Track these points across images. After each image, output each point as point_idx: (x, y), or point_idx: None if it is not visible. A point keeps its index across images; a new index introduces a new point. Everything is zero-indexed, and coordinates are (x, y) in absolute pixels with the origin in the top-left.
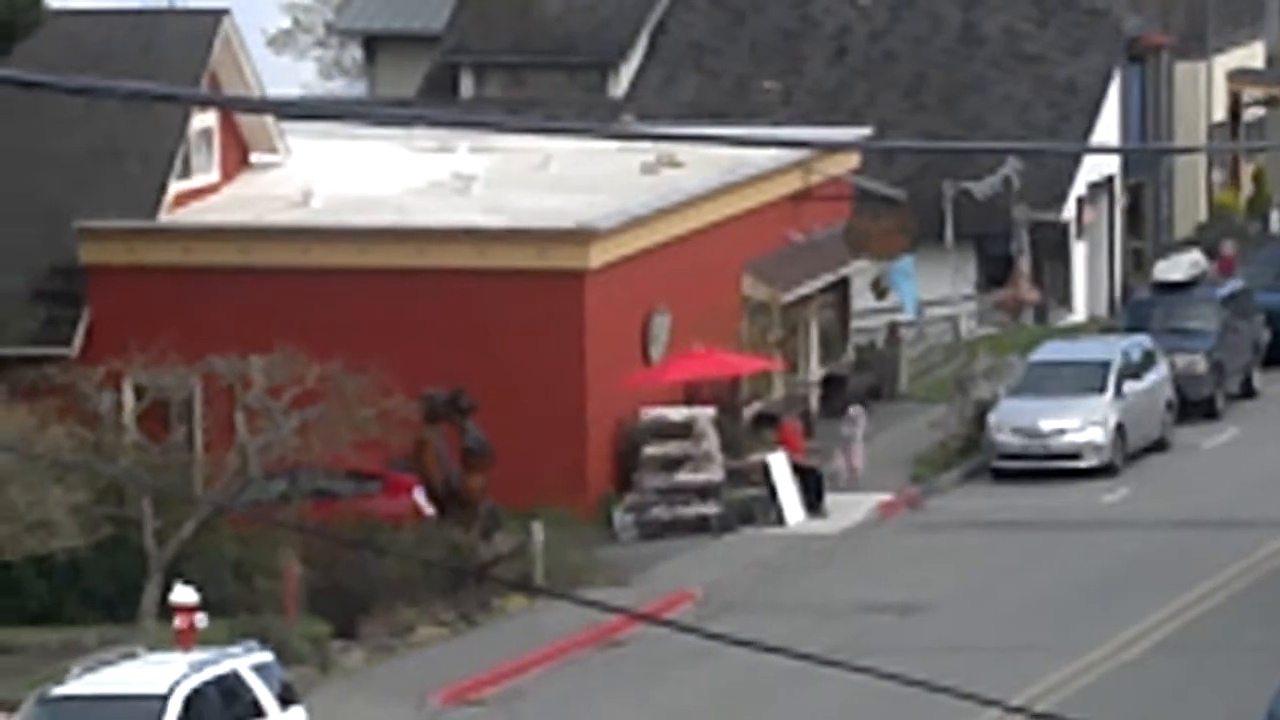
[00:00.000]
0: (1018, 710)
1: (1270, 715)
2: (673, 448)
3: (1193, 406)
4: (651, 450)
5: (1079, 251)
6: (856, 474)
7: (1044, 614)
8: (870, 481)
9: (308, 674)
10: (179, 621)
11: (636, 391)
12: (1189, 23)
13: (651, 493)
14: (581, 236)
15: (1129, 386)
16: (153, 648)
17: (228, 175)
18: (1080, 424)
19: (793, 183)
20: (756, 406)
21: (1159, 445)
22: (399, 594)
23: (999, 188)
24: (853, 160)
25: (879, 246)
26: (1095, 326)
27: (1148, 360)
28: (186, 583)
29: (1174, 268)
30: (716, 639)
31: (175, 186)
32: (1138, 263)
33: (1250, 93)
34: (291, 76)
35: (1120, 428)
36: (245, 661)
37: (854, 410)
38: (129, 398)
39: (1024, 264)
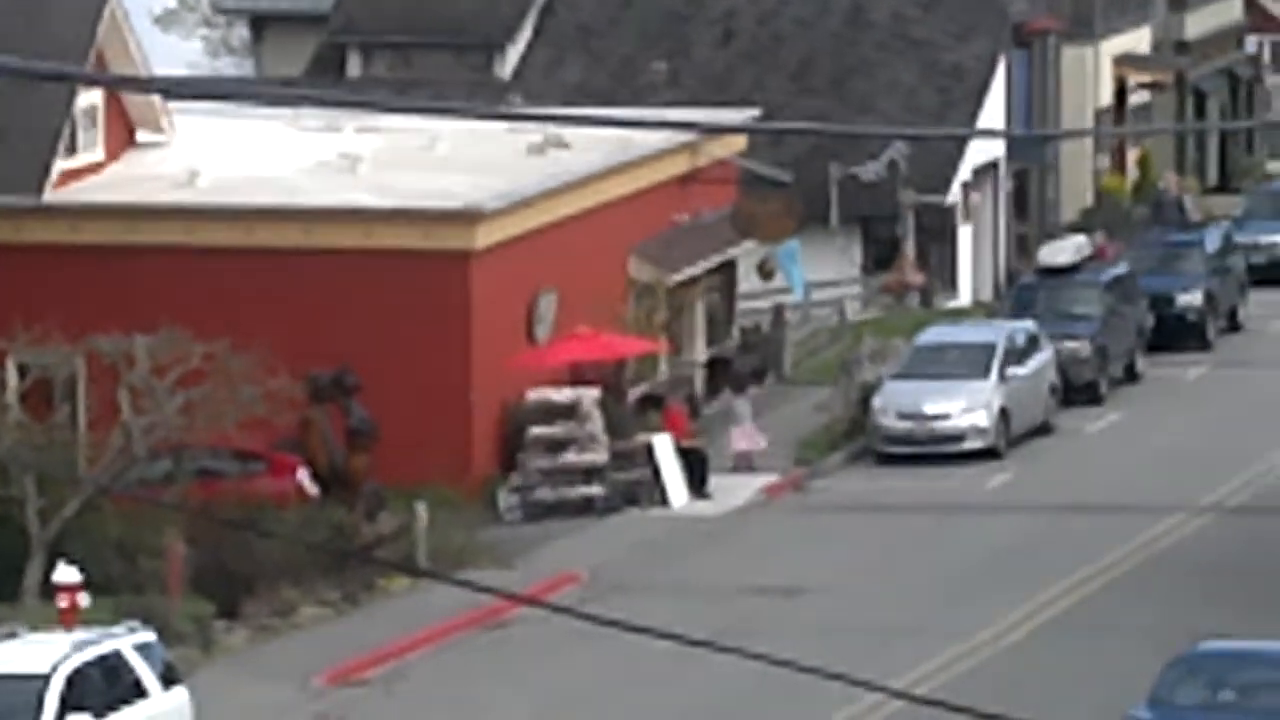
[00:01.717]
0: (900, 694)
1: (1152, 699)
2: (558, 429)
3: (1076, 391)
4: (536, 431)
5: (964, 235)
6: (752, 456)
7: (928, 597)
8: (755, 464)
9: (190, 654)
10: (61, 601)
11: (522, 373)
12: (1075, 7)
13: (536, 474)
14: (468, 217)
15: (1013, 370)
16: (35, 627)
17: (113, 154)
18: (964, 407)
19: (680, 165)
20: (642, 388)
21: (1043, 429)
22: (283, 574)
23: (885, 171)
24: (740, 143)
25: (765, 229)
26: (980, 310)
27: (1032, 344)
28: (69, 562)
29: (1058, 252)
30: (590, 619)
31: (60, 165)
32: (1022, 247)
33: (1136, 78)
34: (178, 55)
35: (1004, 411)
36: (128, 641)
37: (739, 400)
38: (12, 376)
39: (909, 247)
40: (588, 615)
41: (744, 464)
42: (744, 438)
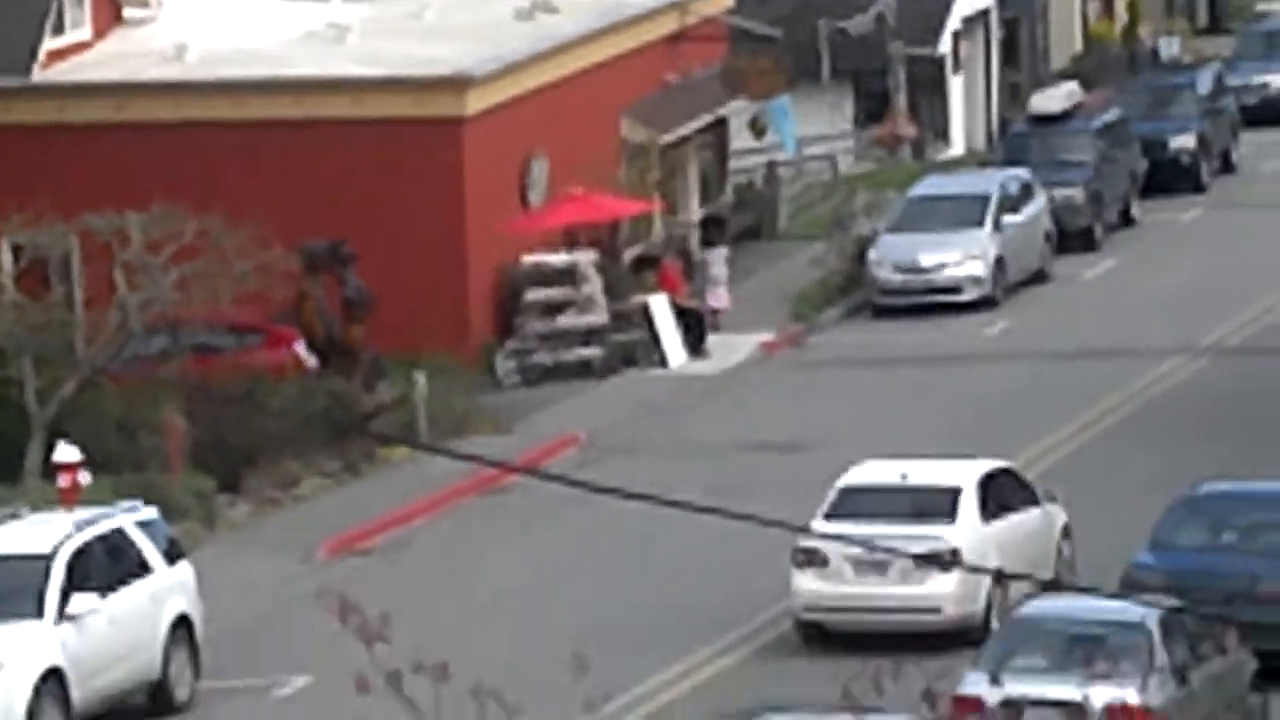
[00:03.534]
0: (890, 551)
1: (1154, 542)
2: (554, 292)
3: (1071, 238)
4: (533, 295)
5: (955, 86)
6: (718, 317)
7: (928, 448)
8: (752, 320)
9: (193, 529)
10: (62, 480)
11: (516, 237)
12: None
13: (533, 338)
14: (458, 84)
15: (1008, 219)
16: (36, 507)
17: (100, 31)
18: (960, 258)
19: (668, 24)
20: (636, 249)
21: (1039, 277)
22: (283, 447)
23: (873, 24)
24: (728, 0)
25: (756, 86)
26: (973, 160)
27: (1026, 192)
28: (69, 441)
29: (1050, 100)
30: (581, 486)
31: (47, 44)
32: (1014, 96)
33: None
34: None
35: (1000, 261)
36: (130, 518)
37: (711, 253)
38: (6, 257)
39: (900, 100)
40: (576, 481)
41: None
42: (712, 295)
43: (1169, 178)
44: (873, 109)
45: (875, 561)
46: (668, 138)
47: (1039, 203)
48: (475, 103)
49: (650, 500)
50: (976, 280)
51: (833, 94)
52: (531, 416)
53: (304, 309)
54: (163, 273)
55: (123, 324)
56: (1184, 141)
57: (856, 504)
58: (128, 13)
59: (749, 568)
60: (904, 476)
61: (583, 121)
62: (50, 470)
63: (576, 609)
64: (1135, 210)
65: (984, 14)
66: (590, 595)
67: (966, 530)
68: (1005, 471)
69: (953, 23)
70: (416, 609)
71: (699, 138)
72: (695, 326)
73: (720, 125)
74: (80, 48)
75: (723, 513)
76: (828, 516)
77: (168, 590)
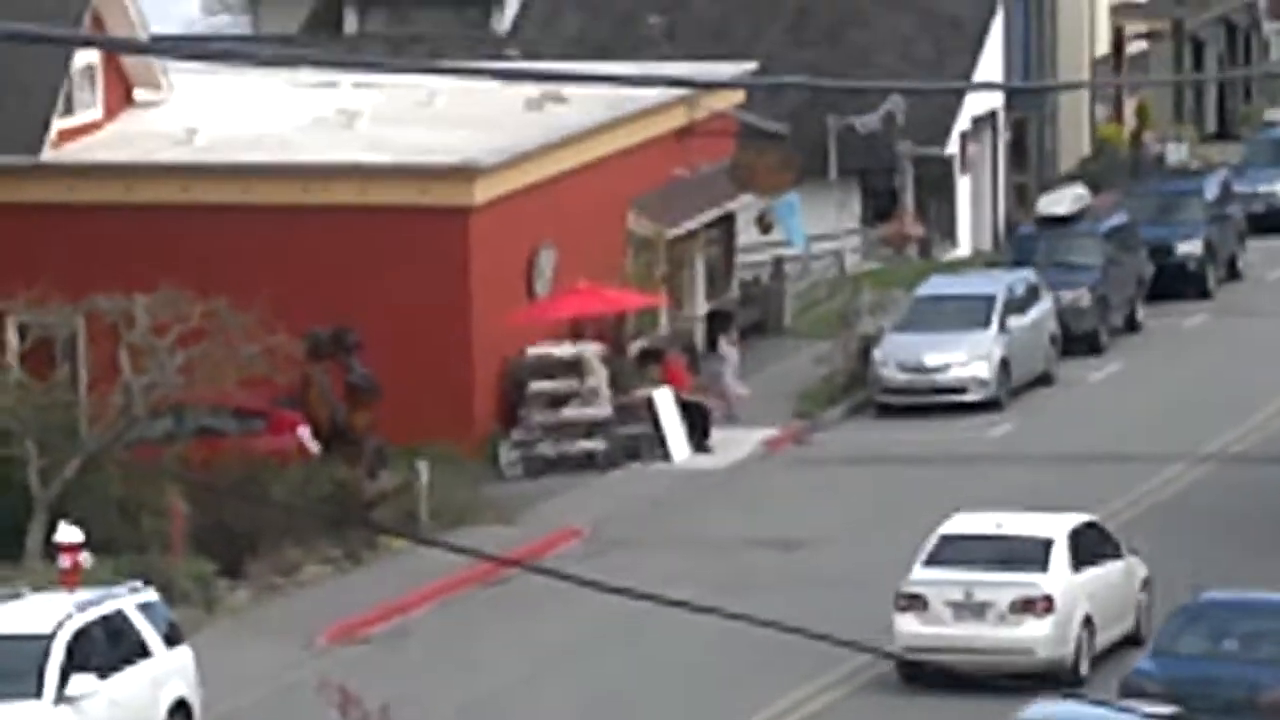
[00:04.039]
0: (889, 655)
1: (1155, 650)
2: (559, 384)
3: (1077, 340)
4: (537, 387)
5: (963, 186)
6: (731, 406)
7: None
8: (755, 417)
9: (193, 613)
10: (64, 561)
11: (522, 328)
12: None
13: (537, 429)
14: (466, 173)
15: (1013, 321)
16: (37, 587)
17: (111, 112)
18: (965, 358)
19: (677, 118)
20: (641, 342)
21: (1043, 379)
22: (285, 533)
23: (882, 123)
24: (737, 96)
25: (764, 182)
26: (979, 261)
27: (1032, 294)
28: (71, 522)
29: (1057, 202)
30: (584, 582)
31: (58, 124)
32: (1021, 197)
33: (1133, 27)
34: (175, 12)
35: (1005, 362)
36: (131, 601)
37: (723, 346)
38: (12, 336)
39: (908, 199)
40: (572, 578)
41: (728, 410)
42: (732, 382)
43: (1175, 283)
44: (880, 207)
45: (973, 605)
46: (675, 231)
47: (1045, 305)
48: (483, 192)
49: (650, 599)
50: (981, 381)
51: (840, 191)
52: (534, 508)
53: (309, 395)
54: (168, 355)
55: (127, 406)
56: (1191, 247)
57: (955, 551)
58: (138, 94)
59: (740, 674)
60: (999, 526)
61: (590, 213)
62: (52, 551)
63: (575, 701)
64: (1141, 315)
65: (992, 115)
66: (588, 688)
67: (1058, 578)
68: (1093, 525)
69: (961, 123)
70: (416, 699)
71: (706, 232)
72: (699, 421)
73: (728, 220)
74: (91, 128)
75: (720, 612)
76: (927, 563)
77: (167, 674)
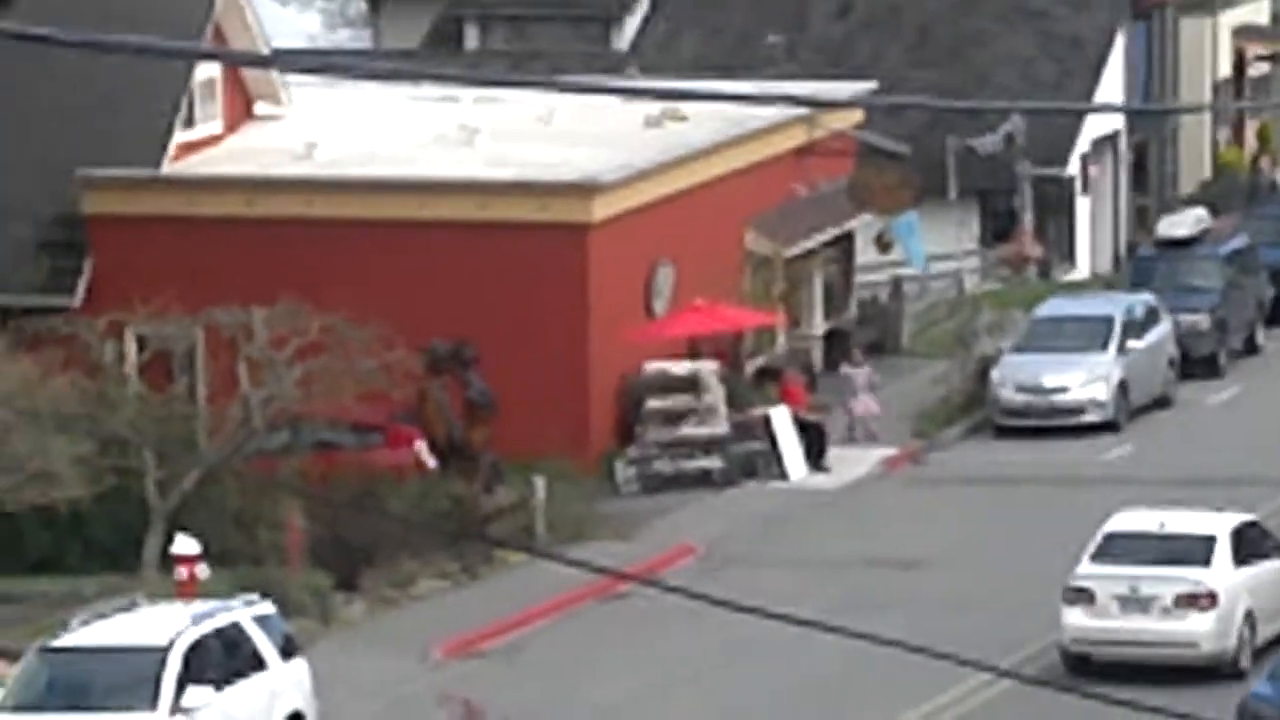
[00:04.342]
0: (1007, 674)
1: (1272, 673)
2: (675, 401)
3: (1196, 363)
4: (654, 404)
5: (1083, 207)
6: (867, 422)
7: (1048, 570)
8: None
9: (309, 626)
10: (180, 572)
11: (639, 345)
12: None
13: (654, 446)
14: (585, 190)
15: (1132, 343)
16: (154, 598)
17: (231, 126)
18: (1083, 380)
19: (797, 137)
20: (759, 361)
21: (1162, 402)
22: (401, 546)
23: (1002, 144)
24: (857, 115)
25: (883, 201)
26: (1099, 283)
27: (1151, 317)
28: (189, 534)
29: (1178, 224)
30: (699, 598)
31: (179, 137)
32: (1142, 219)
33: (1255, 49)
34: (296, 27)
35: (1123, 384)
36: (247, 613)
37: (845, 368)
38: (132, 349)
39: (1027, 220)
40: (696, 594)
41: (863, 429)
42: (862, 403)
43: None
44: (999, 228)
45: (1138, 599)
46: (793, 250)
47: (1164, 328)
48: (602, 209)
49: (777, 618)
50: (1099, 403)
51: (960, 212)
52: (650, 525)
53: (426, 409)
54: (286, 369)
55: (245, 419)
56: None
57: (1120, 548)
58: (259, 108)
59: (863, 691)
60: (1162, 525)
61: (708, 231)
62: (168, 562)
63: (691, 718)
64: (1260, 338)
65: (1113, 137)
66: (705, 705)
67: (1221, 574)
68: (1253, 524)
69: (1081, 144)
70: (532, 714)
71: (824, 251)
72: (816, 440)
73: (846, 239)
74: (211, 141)
75: (844, 631)
76: (1094, 559)
77: (282, 687)
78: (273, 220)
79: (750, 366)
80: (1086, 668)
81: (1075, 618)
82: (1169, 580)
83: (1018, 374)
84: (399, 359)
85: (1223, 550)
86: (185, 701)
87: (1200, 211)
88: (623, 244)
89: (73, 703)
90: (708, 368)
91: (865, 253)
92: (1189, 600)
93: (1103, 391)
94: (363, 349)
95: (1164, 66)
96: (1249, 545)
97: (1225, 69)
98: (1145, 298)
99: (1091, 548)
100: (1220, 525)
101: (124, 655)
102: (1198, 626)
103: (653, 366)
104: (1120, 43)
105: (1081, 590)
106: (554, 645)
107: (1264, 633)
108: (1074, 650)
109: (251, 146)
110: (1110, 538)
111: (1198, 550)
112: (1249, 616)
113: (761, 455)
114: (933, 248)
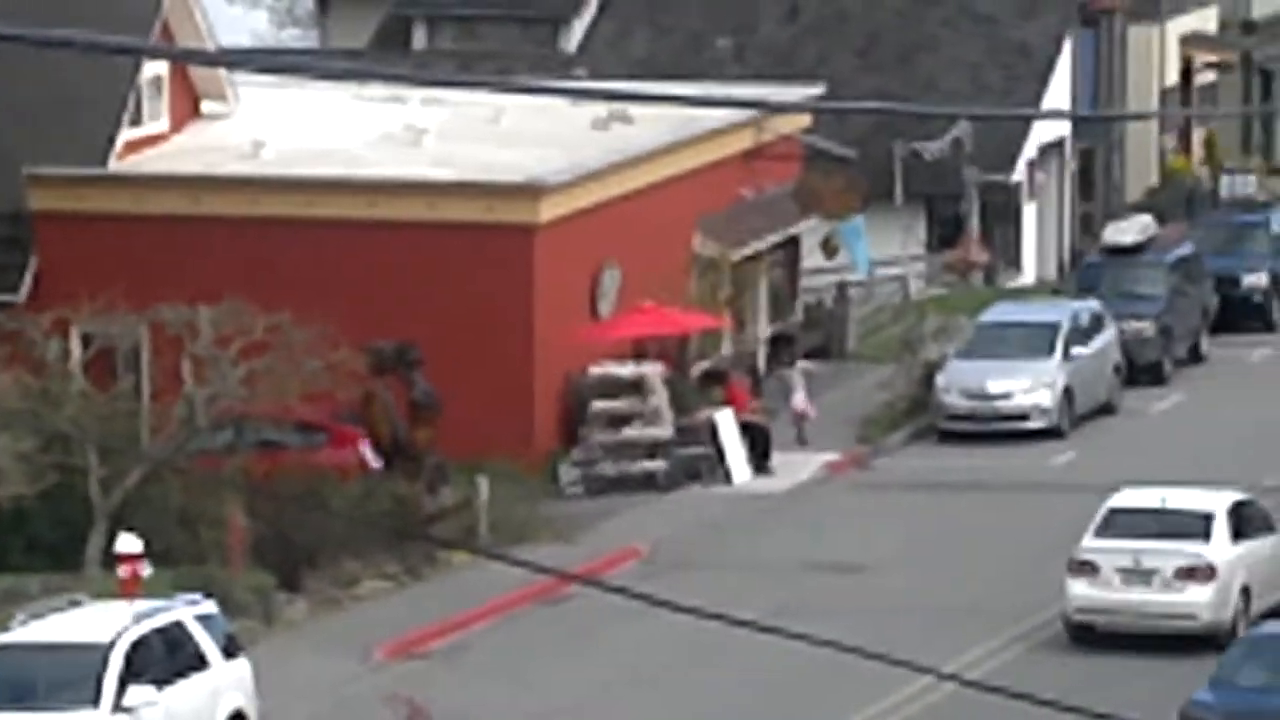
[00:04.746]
0: (948, 677)
1: (1214, 680)
2: (620, 404)
3: (1140, 371)
4: (599, 406)
5: (1029, 214)
6: (805, 422)
7: (989, 576)
8: (817, 440)
9: (251, 626)
10: (123, 571)
11: (585, 347)
12: None
13: (598, 449)
14: (532, 191)
15: (1077, 350)
16: (97, 596)
17: (178, 124)
18: (1028, 386)
19: (744, 140)
20: (704, 364)
21: (1106, 409)
22: (344, 546)
23: (949, 149)
24: (805, 119)
25: (830, 205)
26: (1044, 289)
27: (1096, 324)
28: (132, 532)
29: (1124, 231)
30: (641, 599)
31: (126, 135)
32: (1087, 226)
33: (1202, 57)
34: (243, 25)
35: (1068, 391)
36: (189, 612)
37: (782, 371)
38: (76, 346)
39: (973, 225)
40: (640, 595)
41: (797, 429)
42: (800, 402)
43: (1240, 315)
44: (946, 233)
45: (1140, 572)
46: (739, 253)
47: (1109, 334)
48: (548, 210)
49: (715, 619)
50: (1043, 410)
51: (906, 217)
52: (594, 527)
53: (371, 410)
54: (231, 367)
55: (189, 417)
56: (1256, 280)
57: (1123, 522)
58: (205, 106)
59: (800, 686)
60: (1163, 501)
61: (655, 234)
62: (111, 560)
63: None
64: (1205, 346)
65: (1060, 143)
66: (646, 707)
67: (1220, 548)
68: (1249, 502)
69: (1028, 151)
70: (475, 715)
71: (770, 255)
72: (761, 444)
73: (792, 243)
74: (157, 139)
75: (782, 632)
76: (1097, 533)
77: (224, 686)
78: (219, 219)
79: (696, 369)
80: (1090, 636)
81: (1080, 589)
82: (1170, 554)
83: (963, 379)
84: (344, 359)
85: (1221, 526)
86: (127, 700)
87: (1146, 219)
88: (569, 245)
89: (15, 700)
90: (653, 370)
91: (811, 257)
92: (1189, 573)
93: (1047, 398)
94: (308, 348)
95: (1111, 74)
96: (1246, 522)
97: (1173, 77)
98: (1091, 304)
99: (1096, 522)
100: (1219, 502)
101: (65, 652)
102: (1197, 598)
103: (598, 369)
104: (1068, 49)
105: (1086, 563)
106: (497, 647)
107: (1258, 605)
108: (1077, 620)
109: (198, 145)
110: (1114, 513)
111: (1197, 526)
112: (1245, 590)
113: (706, 459)
114: (879, 252)
